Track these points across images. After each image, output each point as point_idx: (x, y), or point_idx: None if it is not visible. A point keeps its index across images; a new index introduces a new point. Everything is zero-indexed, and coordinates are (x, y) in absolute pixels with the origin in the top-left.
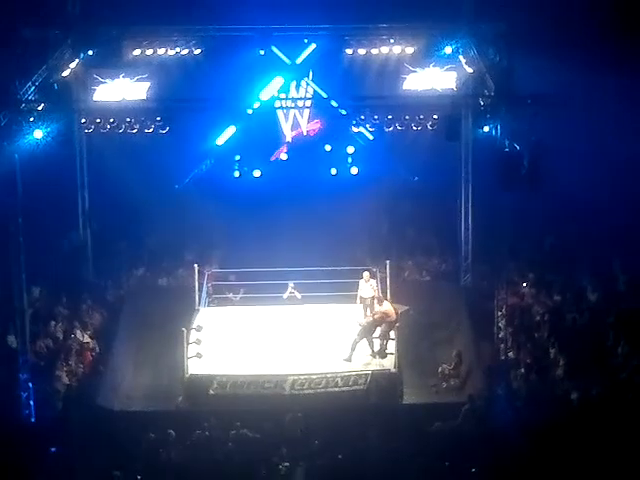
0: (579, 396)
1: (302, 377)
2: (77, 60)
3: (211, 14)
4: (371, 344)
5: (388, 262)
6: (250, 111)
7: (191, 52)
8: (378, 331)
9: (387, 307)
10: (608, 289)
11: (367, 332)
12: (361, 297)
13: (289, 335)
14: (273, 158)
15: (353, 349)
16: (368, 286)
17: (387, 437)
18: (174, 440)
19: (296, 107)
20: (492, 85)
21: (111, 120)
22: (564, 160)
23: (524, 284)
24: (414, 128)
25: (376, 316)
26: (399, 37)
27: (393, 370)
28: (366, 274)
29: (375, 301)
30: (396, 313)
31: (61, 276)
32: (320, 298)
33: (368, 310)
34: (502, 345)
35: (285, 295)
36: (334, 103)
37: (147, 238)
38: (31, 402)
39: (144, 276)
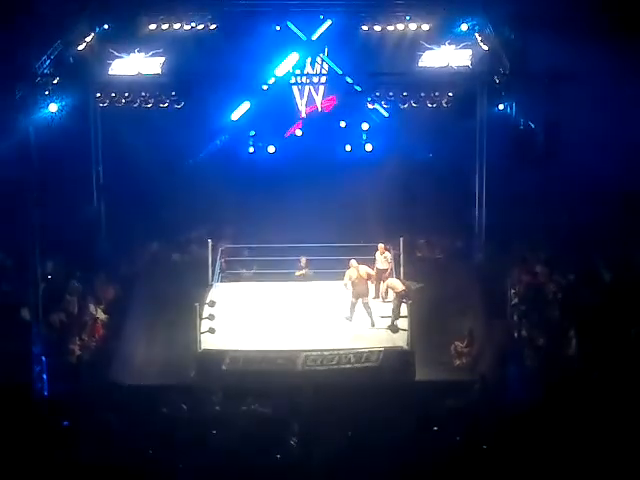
0: (593, 376)
1: (314, 353)
2: (93, 34)
3: None
4: (368, 310)
5: (402, 239)
6: (265, 87)
7: (207, 27)
8: (388, 307)
9: (393, 280)
10: (622, 269)
11: (361, 293)
12: (377, 269)
13: (302, 311)
14: (288, 134)
15: (352, 310)
16: (383, 258)
17: (399, 413)
18: (186, 414)
19: (311, 83)
20: (507, 63)
21: (126, 94)
22: (579, 139)
23: (537, 263)
24: (429, 105)
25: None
26: (415, 14)
27: (406, 347)
28: (381, 246)
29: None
30: (406, 288)
31: (75, 250)
32: (333, 275)
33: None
34: (515, 323)
35: (297, 273)
36: (349, 79)
37: (161, 213)
38: (44, 376)
39: (157, 251)
